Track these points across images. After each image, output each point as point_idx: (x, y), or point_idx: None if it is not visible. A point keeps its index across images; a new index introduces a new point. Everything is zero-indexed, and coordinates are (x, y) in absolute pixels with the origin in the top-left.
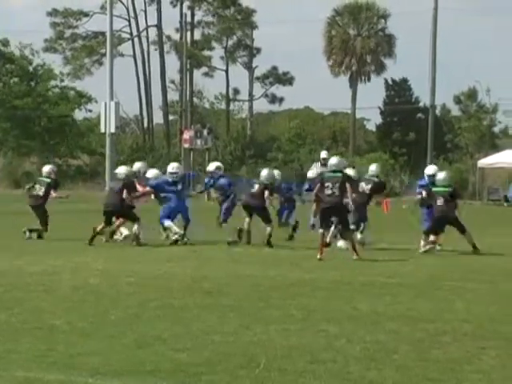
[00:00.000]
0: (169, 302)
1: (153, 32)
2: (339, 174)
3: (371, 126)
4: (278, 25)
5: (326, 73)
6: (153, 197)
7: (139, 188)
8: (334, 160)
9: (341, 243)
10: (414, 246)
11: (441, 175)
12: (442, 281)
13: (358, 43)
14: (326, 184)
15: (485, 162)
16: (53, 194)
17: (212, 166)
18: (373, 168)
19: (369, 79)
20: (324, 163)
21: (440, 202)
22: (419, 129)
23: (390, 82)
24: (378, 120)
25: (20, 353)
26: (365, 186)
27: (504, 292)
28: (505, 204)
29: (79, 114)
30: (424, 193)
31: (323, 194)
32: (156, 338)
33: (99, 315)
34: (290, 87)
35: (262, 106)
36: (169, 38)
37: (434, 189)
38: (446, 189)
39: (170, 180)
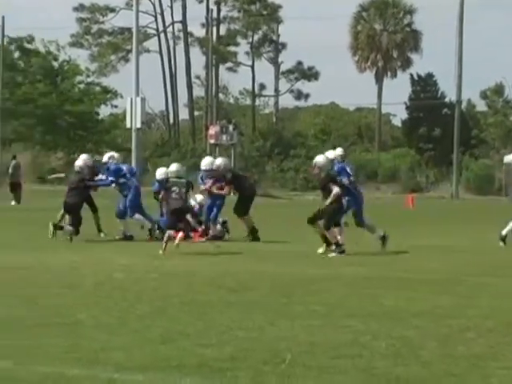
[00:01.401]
0: (192, 298)
1: (178, 28)
2: (183, 180)
3: (397, 122)
4: (304, 20)
5: (352, 68)
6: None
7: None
8: (174, 167)
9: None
10: (439, 242)
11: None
12: (464, 276)
13: (384, 38)
14: (173, 189)
15: (511, 157)
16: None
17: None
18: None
19: (395, 75)
20: (340, 160)
21: None
22: (445, 124)
23: (416, 78)
24: (404, 115)
25: (45, 348)
26: None
27: None
28: None
29: (105, 110)
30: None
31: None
32: (180, 334)
33: (124, 310)
34: (315, 83)
35: (287, 101)
36: (191, 34)
37: None
38: None
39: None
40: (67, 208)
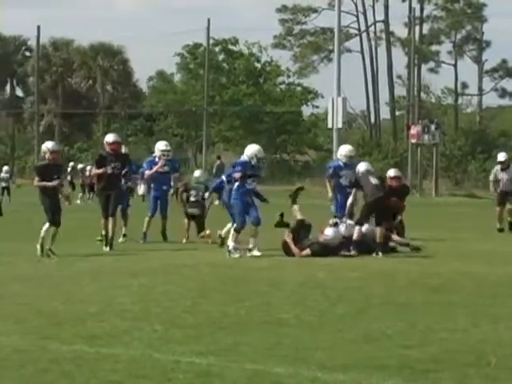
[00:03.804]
0: (394, 298)
1: (380, 27)
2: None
3: None
4: (509, 18)
5: None
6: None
7: None
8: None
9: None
10: None
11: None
12: None
13: None
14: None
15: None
16: None
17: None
18: None
19: None
20: (503, 168)
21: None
22: None
23: None
24: None
25: (249, 345)
26: None
27: None
28: None
29: (306, 110)
30: None
31: None
32: (382, 334)
33: (325, 310)
34: None
35: (491, 100)
36: (392, 33)
37: None
38: None
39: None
40: None
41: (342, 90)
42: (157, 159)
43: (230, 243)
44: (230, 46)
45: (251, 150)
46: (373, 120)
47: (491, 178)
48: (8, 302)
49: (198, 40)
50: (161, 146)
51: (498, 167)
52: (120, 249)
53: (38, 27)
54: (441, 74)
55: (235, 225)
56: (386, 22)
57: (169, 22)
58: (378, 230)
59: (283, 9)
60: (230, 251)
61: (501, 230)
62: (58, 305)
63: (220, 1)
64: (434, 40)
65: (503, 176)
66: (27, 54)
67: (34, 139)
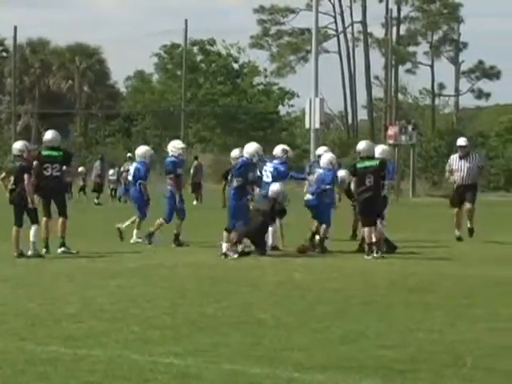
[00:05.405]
0: (373, 299)
1: (358, 28)
2: None
3: None
4: (485, 18)
5: None
6: None
7: None
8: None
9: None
10: None
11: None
12: None
13: None
14: None
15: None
16: None
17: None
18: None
19: None
20: (462, 155)
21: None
22: None
23: None
24: None
25: (227, 346)
26: None
27: None
28: None
29: (282, 110)
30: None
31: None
32: (360, 335)
33: (304, 310)
34: (497, 82)
35: (468, 101)
36: (370, 34)
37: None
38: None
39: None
40: None
41: (319, 90)
42: (174, 159)
43: (224, 245)
44: (208, 47)
45: (252, 148)
46: (350, 121)
47: (447, 167)
48: None
49: (177, 41)
50: (178, 144)
51: (456, 155)
52: (95, 250)
53: (15, 27)
54: (418, 74)
55: (228, 224)
56: (363, 22)
57: (148, 22)
58: (366, 231)
59: (260, 9)
60: (225, 254)
61: (460, 239)
62: (35, 306)
63: (201, 2)
64: (411, 41)
65: (462, 165)
66: (4, 54)
67: (10, 140)
